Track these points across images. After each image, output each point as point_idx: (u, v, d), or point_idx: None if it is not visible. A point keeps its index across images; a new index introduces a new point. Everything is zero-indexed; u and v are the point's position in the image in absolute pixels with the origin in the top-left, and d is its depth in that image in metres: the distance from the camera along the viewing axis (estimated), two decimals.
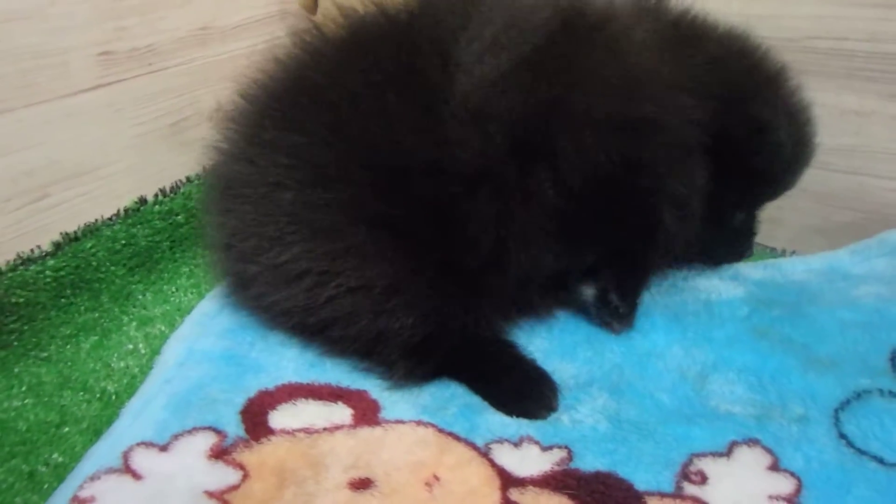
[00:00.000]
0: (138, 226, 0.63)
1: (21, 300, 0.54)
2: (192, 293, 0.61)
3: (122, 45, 0.63)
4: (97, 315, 0.57)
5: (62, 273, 0.57)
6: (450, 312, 0.47)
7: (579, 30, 0.49)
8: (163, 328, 0.56)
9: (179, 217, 0.66)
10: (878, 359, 0.49)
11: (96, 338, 0.55)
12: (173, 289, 0.61)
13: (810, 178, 0.66)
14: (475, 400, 0.47)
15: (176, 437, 0.42)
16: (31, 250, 0.57)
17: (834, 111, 0.65)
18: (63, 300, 0.56)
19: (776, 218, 0.69)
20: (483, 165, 0.46)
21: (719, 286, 0.59)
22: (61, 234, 0.59)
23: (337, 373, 0.48)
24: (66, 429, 0.46)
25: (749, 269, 0.61)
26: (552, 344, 0.53)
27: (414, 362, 0.47)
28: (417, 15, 0.50)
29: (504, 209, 0.47)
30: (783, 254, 0.68)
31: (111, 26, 0.62)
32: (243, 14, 0.73)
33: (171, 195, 0.67)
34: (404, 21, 0.49)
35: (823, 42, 0.64)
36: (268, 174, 0.48)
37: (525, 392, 0.47)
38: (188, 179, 0.70)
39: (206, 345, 0.49)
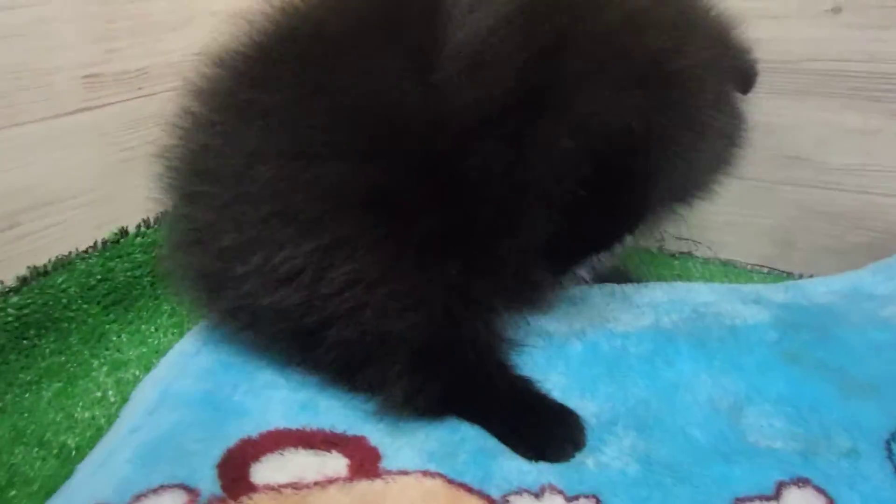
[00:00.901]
0: (117, 259, 0.55)
1: None
2: (172, 333, 0.52)
3: (112, 67, 0.57)
4: (63, 359, 0.49)
5: (26, 311, 0.48)
6: (456, 301, 0.40)
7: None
8: (137, 373, 0.47)
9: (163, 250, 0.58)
10: None
11: (60, 385, 0.46)
12: (152, 329, 0.53)
13: (821, 199, 0.63)
14: (489, 443, 0.40)
15: (139, 497, 0.34)
16: None
17: (838, 130, 0.61)
18: (25, 342, 0.48)
19: (789, 240, 0.65)
20: (484, 114, 0.38)
21: (743, 311, 0.52)
22: (29, 267, 0.51)
23: (331, 416, 0.39)
24: (13, 492, 0.37)
25: (771, 292, 0.55)
26: (570, 379, 0.46)
27: (418, 380, 0.39)
28: None
29: (509, 165, 0.39)
30: (799, 277, 0.63)
31: (101, 48, 0.56)
32: None
33: (155, 226, 0.59)
34: None
35: (823, 63, 0.60)
36: (242, 144, 0.40)
37: (546, 429, 0.40)
38: None
39: (182, 387, 0.41)
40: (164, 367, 0.44)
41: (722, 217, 0.63)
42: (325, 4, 0.43)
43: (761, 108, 0.63)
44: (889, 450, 0.38)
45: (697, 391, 0.44)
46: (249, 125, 0.40)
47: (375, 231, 0.39)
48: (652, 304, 0.53)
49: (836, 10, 0.59)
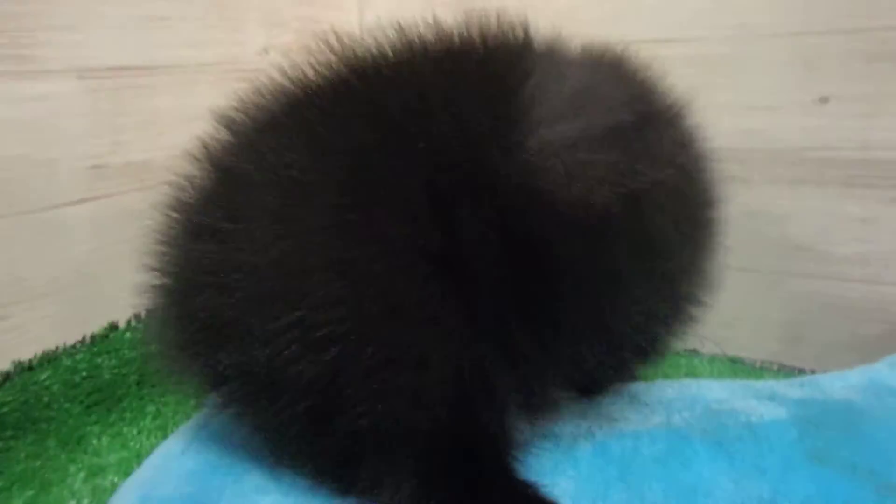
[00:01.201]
0: (105, 355, 0.54)
1: None
2: (155, 437, 0.51)
3: (117, 159, 0.59)
4: (39, 463, 0.46)
5: (5, 410, 0.47)
6: (482, 395, 0.38)
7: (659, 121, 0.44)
8: (115, 479, 0.45)
9: (153, 347, 0.57)
10: None
11: (32, 492, 0.44)
12: (134, 431, 0.51)
13: (828, 291, 0.63)
14: None
15: None
16: None
17: (839, 219, 0.62)
18: (1, 444, 0.45)
19: (798, 335, 0.64)
20: (578, 215, 0.37)
21: (758, 407, 0.50)
22: (13, 362, 0.50)
23: None
24: None
25: (785, 388, 0.53)
26: (580, 484, 0.43)
27: (427, 483, 0.36)
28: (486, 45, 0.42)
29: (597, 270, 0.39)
30: (811, 373, 0.61)
31: (108, 140, 0.59)
32: None
33: (147, 322, 0.58)
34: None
35: (817, 152, 0.63)
36: (283, 164, 0.36)
37: None
38: None
39: (165, 491, 0.38)
40: (147, 469, 0.42)
41: (728, 311, 0.61)
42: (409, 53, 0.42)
43: (761, 198, 0.65)
44: None
45: (718, 497, 0.41)
46: (292, 143, 0.38)
47: (430, 304, 0.35)
48: (661, 401, 0.51)
49: (824, 100, 0.62)
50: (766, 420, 0.49)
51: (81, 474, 0.45)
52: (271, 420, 0.37)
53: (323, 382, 0.35)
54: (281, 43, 0.75)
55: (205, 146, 0.45)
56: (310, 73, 0.44)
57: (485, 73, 0.40)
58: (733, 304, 0.61)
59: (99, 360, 0.53)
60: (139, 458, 0.47)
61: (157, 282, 0.43)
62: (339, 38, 0.45)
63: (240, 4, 0.70)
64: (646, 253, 0.41)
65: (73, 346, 0.54)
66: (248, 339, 0.36)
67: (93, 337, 0.55)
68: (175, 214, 0.44)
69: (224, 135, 0.45)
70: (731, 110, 0.64)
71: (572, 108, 0.40)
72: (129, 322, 0.58)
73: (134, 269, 0.59)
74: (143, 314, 0.59)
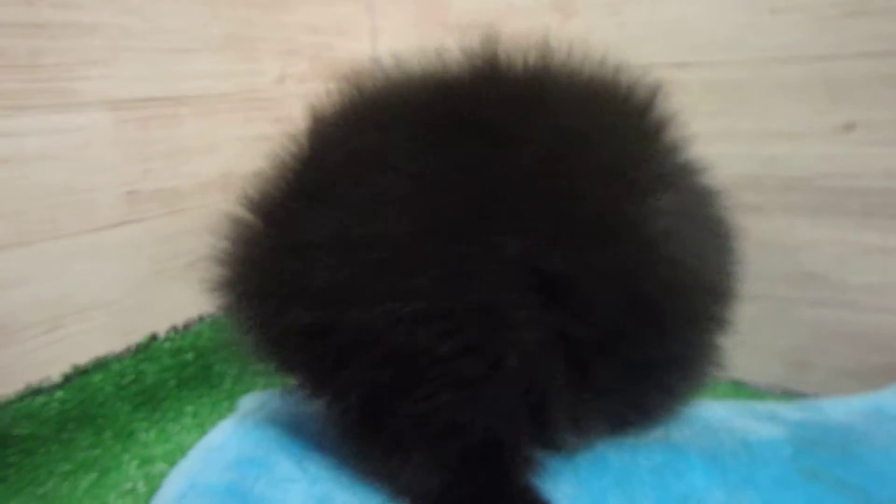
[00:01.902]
0: (147, 362, 0.67)
1: (24, 433, 0.56)
2: (195, 433, 0.62)
3: (149, 185, 0.70)
4: (98, 452, 0.59)
5: (67, 406, 0.59)
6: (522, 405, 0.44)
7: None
8: (163, 467, 0.57)
9: (188, 355, 0.70)
10: None
11: (95, 475, 0.56)
12: (177, 428, 0.64)
13: (839, 319, 0.69)
14: None
15: None
16: (41, 381, 0.60)
17: (857, 249, 0.68)
18: (65, 435, 0.59)
19: (805, 361, 0.71)
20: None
21: (756, 427, 0.59)
22: (71, 366, 0.63)
23: None
24: None
25: (785, 410, 0.61)
26: (579, 490, 0.53)
27: (457, 477, 0.44)
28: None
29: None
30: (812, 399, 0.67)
31: (139, 168, 0.69)
32: (264, 163, 0.83)
33: (183, 332, 0.71)
34: None
35: (837, 181, 0.68)
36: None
37: None
38: (200, 318, 0.74)
39: (209, 479, 0.50)
40: (192, 460, 0.54)
41: (734, 336, 0.67)
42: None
43: (776, 226, 0.70)
44: None
45: None
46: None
47: (524, 310, 0.41)
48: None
49: (850, 128, 0.66)
50: (763, 438, 0.57)
51: (134, 462, 0.58)
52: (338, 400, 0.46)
53: (408, 356, 0.41)
54: (297, 71, 0.86)
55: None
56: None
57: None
58: (740, 330, 0.65)
59: (142, 367, 0.66)
60: (182, 450, 0.58)
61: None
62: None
63: (256, 35, 0.80)
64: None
65: (120, 354, 0.66)
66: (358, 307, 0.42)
67: (136, 345, 0.67)
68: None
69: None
70: (750, 137, 0.70)
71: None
72: (167, 333, 0.71)
73: (169, 287, 0.72)
74: (179, 326, 0.73)
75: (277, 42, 0.84)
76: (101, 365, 0.64)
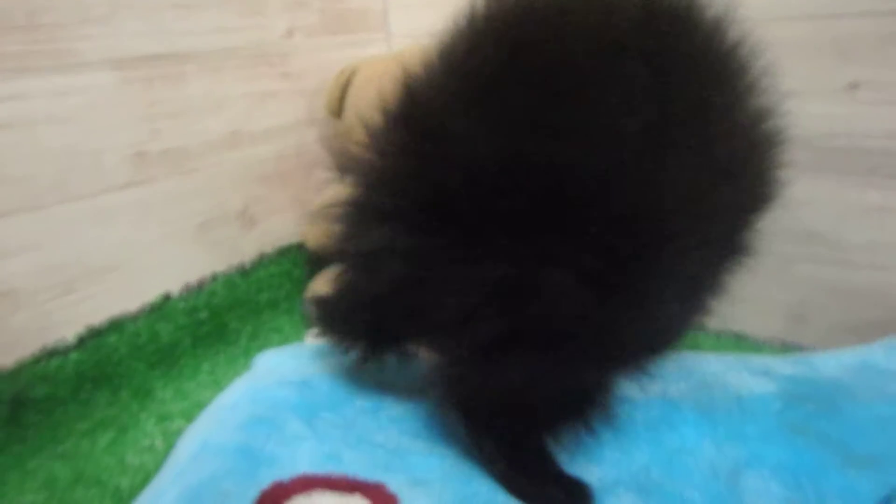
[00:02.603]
0: (161, 322, 0.67)
1: (41, 394, 0.56)
2: (211, 389, 0.63)
3: (155, 146, 0.68)
4: (116, 410, 0.60)
5: (84, 367, 0.60)
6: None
7: None
8: (181, 424, 0.58)
9: (202, 314, 0.70)
10: None
11: (113, 434, 0.57)
12: (193, 385, 0.64)
13: (837, 276, 0.69)
14: (499, 498, 0.48)
15: None
16: (55, 343, 0.60)
17: (857, 207, 0.67)
18: (83, 395, 0.59)
19: (803, 315, 0.71)
20: None
21: (749, 381, 0.59)
22: (86, 327, 0.63)
23: (355, 466, 0.48)
24: None
25: (780, 365, 0.62)
26: (577, 443, 0.53)
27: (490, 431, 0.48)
28: None
29: None
30: (808, 351, 0.68)
31: (146, 128, 0.67)
32: (273, 120, 0.80)
33: (196, 292, 0.71)
34: None
35: (840, 140, 0.66)
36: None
37: (557, 495, 0.48)
38: (213, 277, 0.74)
39: (221, 438, 0.51)
40: (205, 420, 0.55)
41: (736, 290, 0.67)
42: None
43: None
44: None
45: (699, 457, 0.51)
46: None
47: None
48: (661, 373, 0.61)
49: (854, 87, 0.64)
50: (754, 393, 0.58)
51: (152, 420, 0.58)
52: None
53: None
54: (306, 25, 0.83)
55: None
56: None
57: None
58: (741, 283, 0.65)
59: (157, 326, 0.66)
60: (199, 406, 0.58)
61: None
62: None
63: None
64: None
65: (134, 314, 0.66)
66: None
67: (150, 306, 0.67)
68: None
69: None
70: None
71: None
72: (180, 292, 0.70)
73: (179, 246, 0.71)
74: (194, 284, 0.72)
75: None
76: (115, 325, 0.63)
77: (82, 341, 0.62)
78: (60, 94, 0.60)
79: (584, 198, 0.42)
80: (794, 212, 0.70)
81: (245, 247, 0.78)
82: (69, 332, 0.62)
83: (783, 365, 0.62)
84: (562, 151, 0.42)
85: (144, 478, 0.51)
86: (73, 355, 0.60)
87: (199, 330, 0.69)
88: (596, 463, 0.52)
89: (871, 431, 0.52)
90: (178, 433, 0.56)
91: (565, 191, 0.42)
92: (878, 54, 0.63)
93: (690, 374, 0.61)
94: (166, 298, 0.69)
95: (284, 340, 0.73)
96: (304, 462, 0.48)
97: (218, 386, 0.63)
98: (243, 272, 0.76)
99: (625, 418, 0.56)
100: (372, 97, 0.75)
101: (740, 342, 0.72)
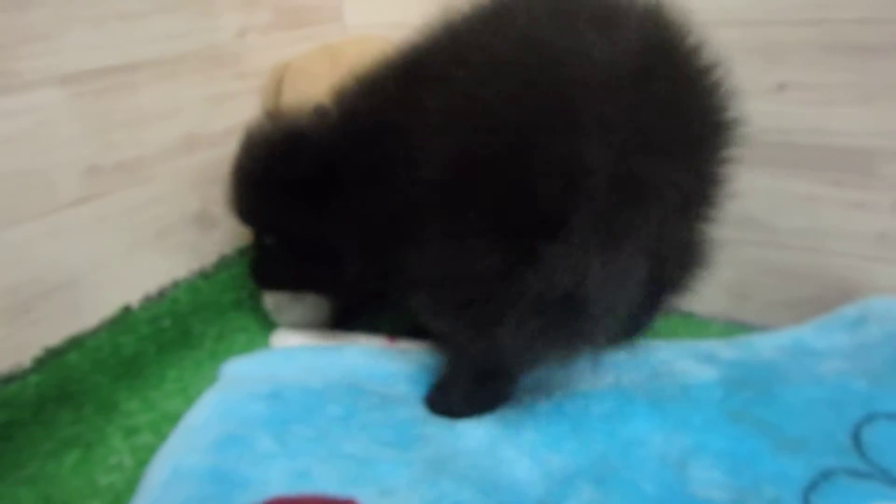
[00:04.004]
0: (123, 334, 0.63)
1: (1, 420, 0.52)
2: (178, 398, 0.60)
3: (108, 159, 0.64)
4: (80, 428, 0.56)
5: (44, 388, 0.56)
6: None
7: None
8: (149, 437, 0.55)
9: (165, 322, 0.66)
10: (843, 436, 0.50)
11: (79, 453, 0.54)
12: (159, 395, 0.61)
13: (773, 257, 0.72)
14: (464, 495, 0.47)
15: None
16: (11, 369, 0.56)
17: (787, 197, 0.70)
18: (45, 416, 0.55)
19: (744, 294, 0.74)
20: None
21: (694, 369, 0.60)
22: (44, 348, 0.59)
23: (325, 481, 0.47)
24: None
25: (722, 348, 0.63)
26: (539, 434, 0.54)
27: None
28: None
29: None
30: (750, 327, 0.71)
31: (97, 142, 0.63)
32: (230, 121, 0.76)
33: (158, 300, 0.67)
34: None
35: (772, 135, 0.69)
36: None
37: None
38: (174, 284, 0.70)
39: (191, 461, 0.48)
40: (175, 441, 0.51)
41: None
42: None
43: None
44: (806, 499, 0.45)
45: (650, 447, 0.51)
46: None
47: None
48: (614, 364, 0.61)
49: (782, 87, 0.67)
50: (699, 381, 0.58)
51: (119, 434, 0.55)
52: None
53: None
54: (259, 23, 0.78)
55: None
56: None
57: None
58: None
59: (119, 339, 0.62)
60: (166, 416, 0.56)
61: None
62: None
63: None
64: None
65: (95, 330, 0.62)
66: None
67: (111, 320, 0.63)
68: None
69: None
70: None
71: None
72: (141, 303, 0.66)
73: (139, 255, 0.67)
74: (154, 294, 0.68)
75: None
76: (75, 343, 0.59)
77: (41, 363, 0.58)
78: (5, 116, 0.56)
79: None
80: (734, 200, 0.72)
81: (205, 250, 0.75)
82: (26, 355, 0.58)
83: (726, 349, 0.63)
84: None
85: (114, 498, 0.49)
86: (32, 378, 0.56)
87: (163, 338, 0.65)
88: (556, 452, 0.52)
89: (800, 414, 0.54)
90: (147, 447, 0.53)
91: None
92: (803, 59, 0.66)
93: (642, 363, 0.61)
94: (127, 310, 0.65)
95: (251, 339, 0.70)
96: (275, 482, 0.46)
97: (185, 393, 0.60)
98: (205, 275, 0.72)
99: (582, 410, 0.56)
100: (304, 89, 0.72)
101: (687, 321, 0.73)
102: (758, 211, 0.71)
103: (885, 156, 0.64)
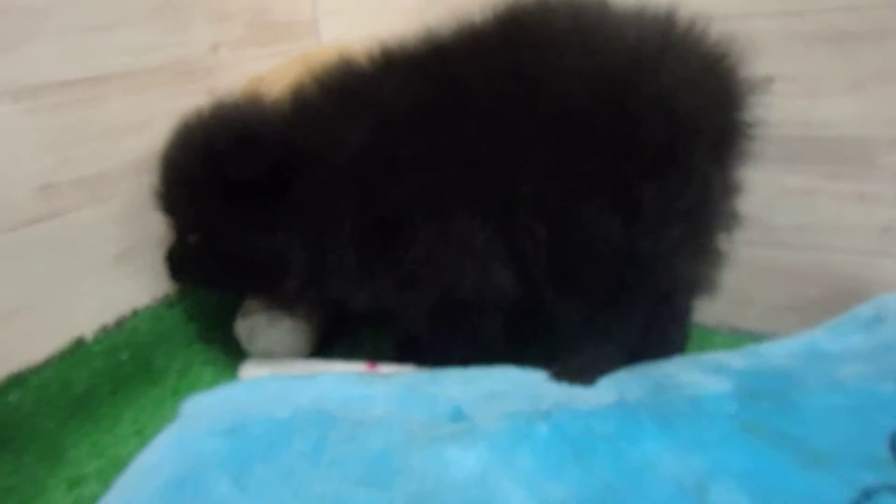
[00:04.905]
0: (74, 368, 0.55)
1: None
2: (133, 442, 0.52)
3: (66, 175, 0.58)
4: (18, 479, 0.48)
5: None
6: None
7: None
8: (96, 489, 0.46)
9: (123, 354, 0.59)
10: (877, 447, 0.44)
11: None
12: (111, 439, 0.53)
13: (773, 257, 0.66)
14: None
15: None
16: None
17: (781, 192, 0.65)
18: None
19: (746, 298, 0.68)
20: None
21: (703, 380, 0.53)
22: None
23: None
24: None
25: (730, 358, 0.56)
26: (536, 461, 0.46)
27: None
28: None
29: None
30: (757, 334, 0.66)
31: (54, 158, 0.57)
32: None
33: (115, 331, 0.59)
34: None
35: (762, 129, 0.62)
36: None
37: None
38: (134, 313, 0.62)
39: None
40: (122, 486, 0.43)
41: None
42: None
43: None
44: None
45: (662, 470, 0.44)
46: None
47: None
48: (615, 381, 0.54)
49: (769, 80, 0.62)
50: (709, 393, 0.52)
51: (62, 486, 0.47)
52: None
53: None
54: (231, 38, 0.74)
55: None
56: None
57: None
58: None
59: (69, 375, 0.54)
60: (117, 463, 0.48)
61: None
62: None
63: (184, 3, 0.68)
64: None
65: (42, 364, 0.55)
66: None
67: (61, 353, 0.56)
68: None
69: None
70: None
71: None
72: (96, 334, 0.59)
73: (95, 281, 0.59)
74: (111, 325, 0.60)
75: (208, 9, 0.71)
76: (16, 381, 0.51)
77: None
78: None
79: None
80: None
81: None
82: None
83: (734, 358, 0.56)
84: None
85: None
86: None
87: (120, 373, 0.57)
88: (558, 481, 0.44)
89: (824, 424, 0.47)
90: (92, 500, 0.44)
91: None
92: (787, 50, 0.62)
93: (645, 378, 0.54)
94: (79, 342, 0.57)
95: (219, 374, 0.62)
96: None
97: (141, 436, 0.52)
98: (169, 303, 0.65)
99: (583, 431, 0.48)
100: None
101: (692, 331, 0.66)
102: (752, 208, 0.64)
103: (883, 145, 0.61)
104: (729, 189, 0.56)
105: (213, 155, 0.52)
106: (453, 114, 0.50)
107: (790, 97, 0.62)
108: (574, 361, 0.55)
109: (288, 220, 0.52)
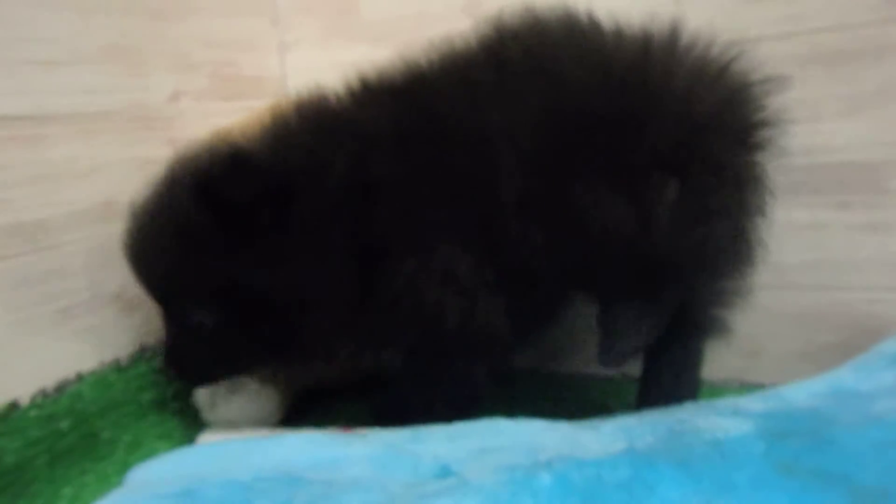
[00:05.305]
0: (5, 437, 0.51)
1: None
2: None
3: (4, 218, 0.56)
4: None
5: None
6: None
7: None
8: None
9: (63, 423, 0.54)
10: None
11: None
12: None
13: (783, 301, 0.64)
14: None
15: None
16: None
17: (788, 227, 0.63)
18: None
19: (755, 349, 0.65)
20: None
21: (722, 423, 0.50)
22: None
23: None
24: None
25: (747, 403, 0.53)
26: None
27: None
28: None
29: None
30: (768, 388, 0.60)
31: None
32: None
33: (55, 396, 0.56)
34: None
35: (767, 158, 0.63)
36: None
37: None
38: (79, 377, 0.59)
39: None
40: None
41: None
42: None
43: None
44: None
45: None
46: None
47: None
48: (623, 428, 0.50)
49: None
50: (731, 435, 0.48)
51: None
52: None
53: None
54: (193, 89, 0.74)
55: None
56: None
57: None
58: None
59: (0, 443, 0.51)
60: None
61: None
62: None
63: (142, 47, 0.69)
64: None
65: None
66: None
67: None
68: None
69: None
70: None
71: None
72: (33, 398, 0.55)
73: (33, 340, 0.57)
74: (49, 389, 0.57)
75: (169, 56, 0.73)
76: None
77: None
78: None
79: None
80: None
81: (121, 338, 0.64)
82: None
83: (752, 402, 0.53)
84: None
85: None
86: None
87: (59, 444, 0.53)
88: None
89: (870, 460, 0.44)
90: None
91: None
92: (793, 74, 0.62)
93: (656, 425, 0.50)
94: (13, 407, 0.53)
95: (175, 448, 0.58)
96: None
97: None
98: (119, 368, 0.61)
99: (592, 481, 0.45)
100: None
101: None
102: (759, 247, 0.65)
103: (891, 168, 0.60)
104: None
105: (208, 181, 0.50)
106: (432, 138, 0.51)
107: (793, 122, 0.61)
108: (619, 344, 0.54)
109: (296, 251, 0.50)
